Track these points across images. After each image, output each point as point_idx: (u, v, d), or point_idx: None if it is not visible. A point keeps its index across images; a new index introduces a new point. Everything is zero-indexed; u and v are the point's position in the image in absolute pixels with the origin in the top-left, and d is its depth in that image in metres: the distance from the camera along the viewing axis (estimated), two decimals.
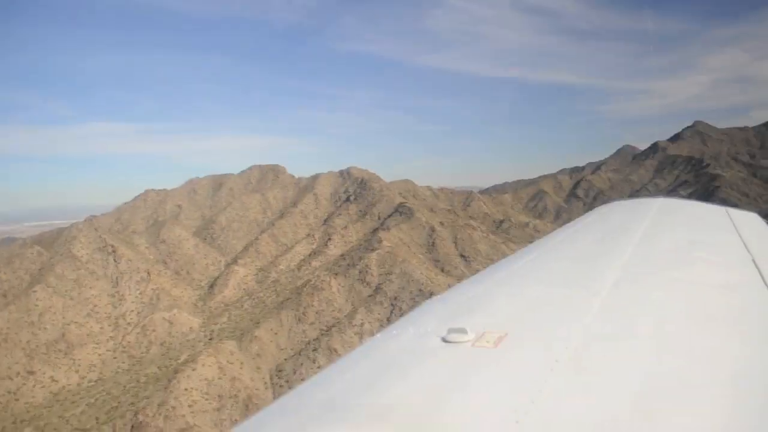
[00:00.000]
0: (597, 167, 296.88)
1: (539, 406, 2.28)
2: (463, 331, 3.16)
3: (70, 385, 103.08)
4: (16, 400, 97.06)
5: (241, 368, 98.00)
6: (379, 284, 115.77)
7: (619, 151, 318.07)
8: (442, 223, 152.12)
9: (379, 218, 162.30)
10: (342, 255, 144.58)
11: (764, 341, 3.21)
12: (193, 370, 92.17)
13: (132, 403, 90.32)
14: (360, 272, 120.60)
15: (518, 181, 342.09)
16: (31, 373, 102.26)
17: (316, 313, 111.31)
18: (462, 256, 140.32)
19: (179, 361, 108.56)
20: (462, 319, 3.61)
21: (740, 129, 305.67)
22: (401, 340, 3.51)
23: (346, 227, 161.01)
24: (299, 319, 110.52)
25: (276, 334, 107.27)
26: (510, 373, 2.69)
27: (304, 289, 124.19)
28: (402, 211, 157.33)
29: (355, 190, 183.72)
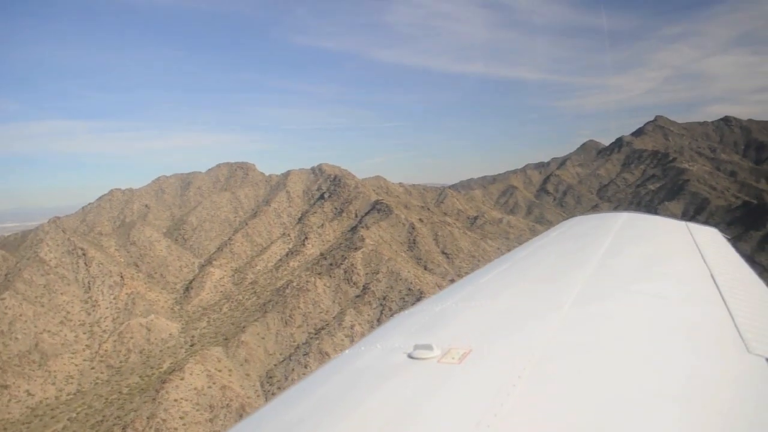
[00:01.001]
0: (562, 162, 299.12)
1: (502, 421, 2.35)
2: (429, 347, 3.26)
3: (47, 398, 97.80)
4: None
5: (230, 376, 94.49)
6: (367, 284, 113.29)
7: (583, 146, 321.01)
8: (421, 220, 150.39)
9: (356, 216, 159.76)
10: (322, 254, 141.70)
11: (721, 353, 3.30)
12: (181, 379, 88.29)
13: (118, 417, 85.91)
14: (345, 272, 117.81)
15: (484, 177, 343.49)
16: (5, 387, 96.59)
17: (303, 315, 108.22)
18: (444, 253, 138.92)
19: (162, 370, 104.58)
20: (428, 335, 3.73)
21: (700, 124, 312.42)
22: (368, 357, 3.55)
23: (322, 225, 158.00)
24: (286, 322, 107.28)
25: (263, 338, 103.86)
26: (474, 389, 2.79)
27: (287, 290, 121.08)
28: (380, 208, 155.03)
29: (329, 187, 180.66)
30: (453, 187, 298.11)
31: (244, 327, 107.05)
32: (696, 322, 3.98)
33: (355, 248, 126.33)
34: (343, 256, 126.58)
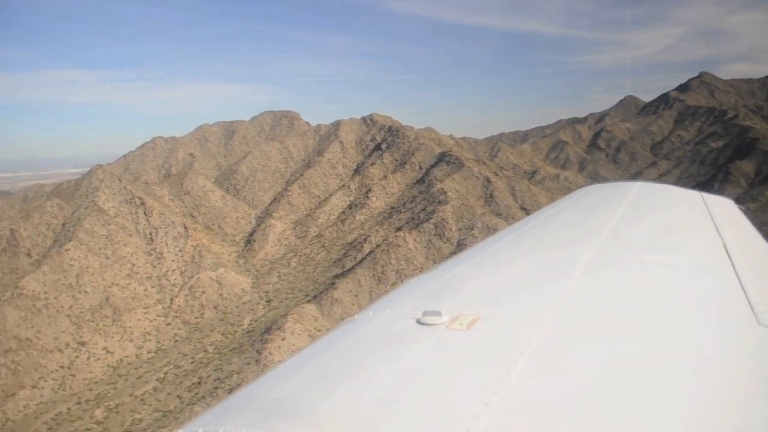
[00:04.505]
0: (600, 118, 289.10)
1: (508, 389, 2.38)
2: (437, 313, 3.25)
3: (127, 356, 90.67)
4: (73, 375, 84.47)
5: None
6: (461, 239, 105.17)
7: (622, 102, 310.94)
8: (496, 174, 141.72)
9: (420, 168, 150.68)
10: (393, 207, 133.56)
11: (732, 324, 3.31)
12: (282, 339, 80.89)
13: (218, 379, 78.71)
14: (436, 227, 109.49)
15: (515, 132, 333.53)
16: (82, 343, 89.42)
17: (396, 272, 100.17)
18: (523, 209, 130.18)
19: (243, 327, 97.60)
20: (437, 301, 3.71)
21: (744, 81, 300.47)
22: (377, 322, 3.56)
23: (385, 177, 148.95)
24: (379, 279, 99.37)
25: (356, 296, 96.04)
26: (481, 355, 2.82)
27: (365, 245, 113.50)
28: (448, 160, 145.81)
29: (385, 137, 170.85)
30: (483, 141, 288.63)
31: (333, 284, 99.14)
32: (707, 293, 3.88)
33: (439, 202, 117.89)
34: (425, 210, 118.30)
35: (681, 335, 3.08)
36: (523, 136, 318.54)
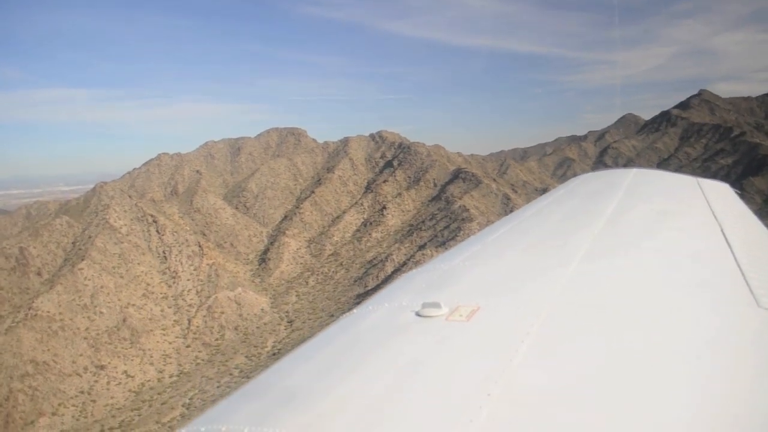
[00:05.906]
0: (600, 135, 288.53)
1: (510, 378, 2.39)
2: (437, 305, 3.26)
3: (149, 380, 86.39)
4: (93, 401, 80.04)
5: None
6: None
7: (621, 120, 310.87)
8: (515, 190, 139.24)
9: (434, 185, 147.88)
10: (411, 225, 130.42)
11: (731, 307, 3.28)
12: None
13: None
14: None
15: (515, 150, 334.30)
16: (101, 367, 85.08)
17: None
18: None
19: (267, 349, 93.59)
20: (436, 293, 3.69)
21: (744, 98, 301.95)
22: (377, 315, 3.56)
23: (399, 195, 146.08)
24: None
25: None
26: (482, 346, 2.82)
27: (386, 263, 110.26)
28: (464, 177, 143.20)
29: (396, 154, 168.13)
30: (489, 158, 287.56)
31: (359, 303, 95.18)
32: (706, 277, 3.86)
33: (462, 219, 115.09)
34: (449, 227, 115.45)
35: (681, 320, 3.06)
36: (522, 154, 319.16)
